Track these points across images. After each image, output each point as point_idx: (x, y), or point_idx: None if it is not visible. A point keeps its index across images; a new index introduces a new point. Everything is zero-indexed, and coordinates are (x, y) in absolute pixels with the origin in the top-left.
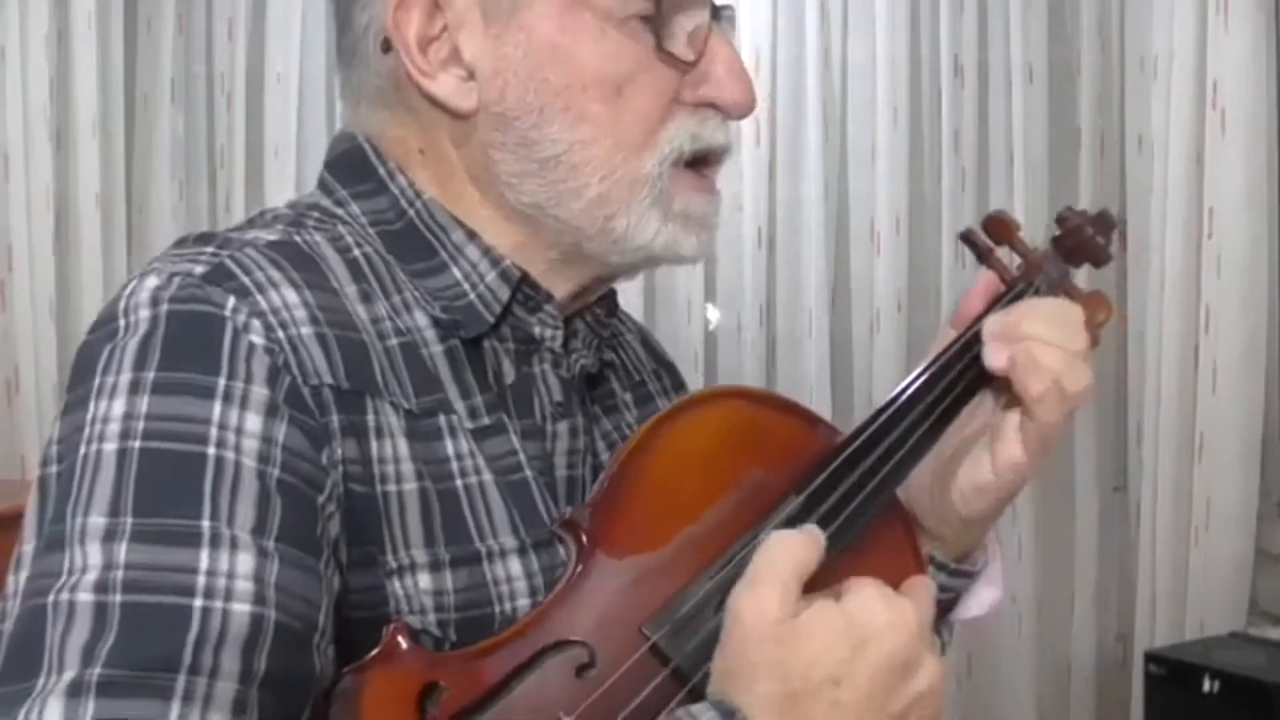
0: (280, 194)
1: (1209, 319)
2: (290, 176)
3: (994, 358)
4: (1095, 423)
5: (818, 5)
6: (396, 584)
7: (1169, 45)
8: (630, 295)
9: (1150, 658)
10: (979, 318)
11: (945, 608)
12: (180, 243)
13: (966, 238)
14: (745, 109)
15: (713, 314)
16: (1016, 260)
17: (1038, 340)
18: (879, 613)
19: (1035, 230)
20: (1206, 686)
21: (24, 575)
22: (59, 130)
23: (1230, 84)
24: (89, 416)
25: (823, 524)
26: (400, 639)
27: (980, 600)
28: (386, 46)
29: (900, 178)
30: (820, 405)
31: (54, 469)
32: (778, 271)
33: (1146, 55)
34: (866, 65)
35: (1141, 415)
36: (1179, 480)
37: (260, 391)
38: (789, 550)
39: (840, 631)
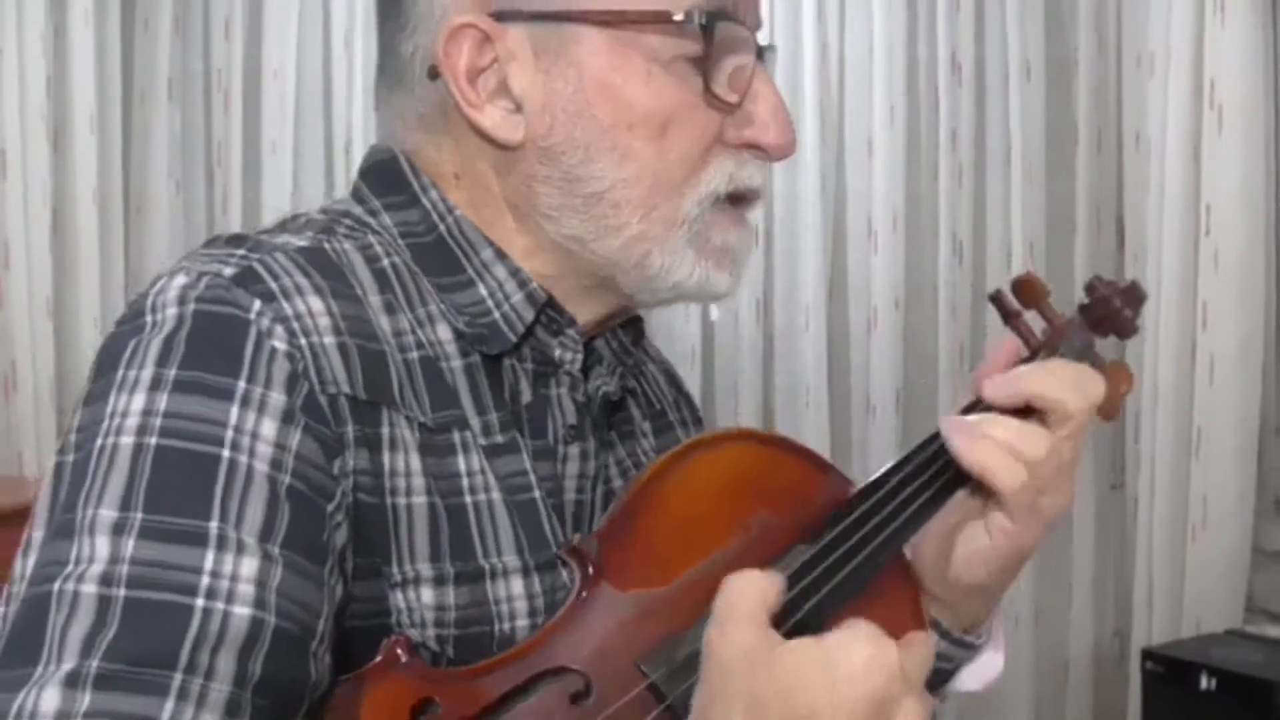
0: (277, 191)
1: (1206, 315)
2: (287, 173)
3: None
4: (1093, 420)
5: (815, 2)
6: (399, 596)
7: (1166, 43)
8: None
9: (1147, 655)
10: None
11: (944, 677)
12: (211, 242)
13: (995, 299)
14: (786, 152)
15: (710, 310)
16: (1042, 325)
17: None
18: (859, 650)
19: (1032, 232)
20: (1203, 684)
21: (32, 561)
22: (56, 128)
23: (1227, 81)
24: (109, 409)
25: (829, 574)
26: (399, 652)
27: (979, 674)
28: (434, 75)
29: (897, 174)
30: (817, 402)
31: (70, 457)
32: (775, 268)
33: (1144, 52)
34: (864, 62)
35: (1139, 412)
36: (1176, 477)
37: (278, 398)
38: (747, 585)
39: (818, 666)
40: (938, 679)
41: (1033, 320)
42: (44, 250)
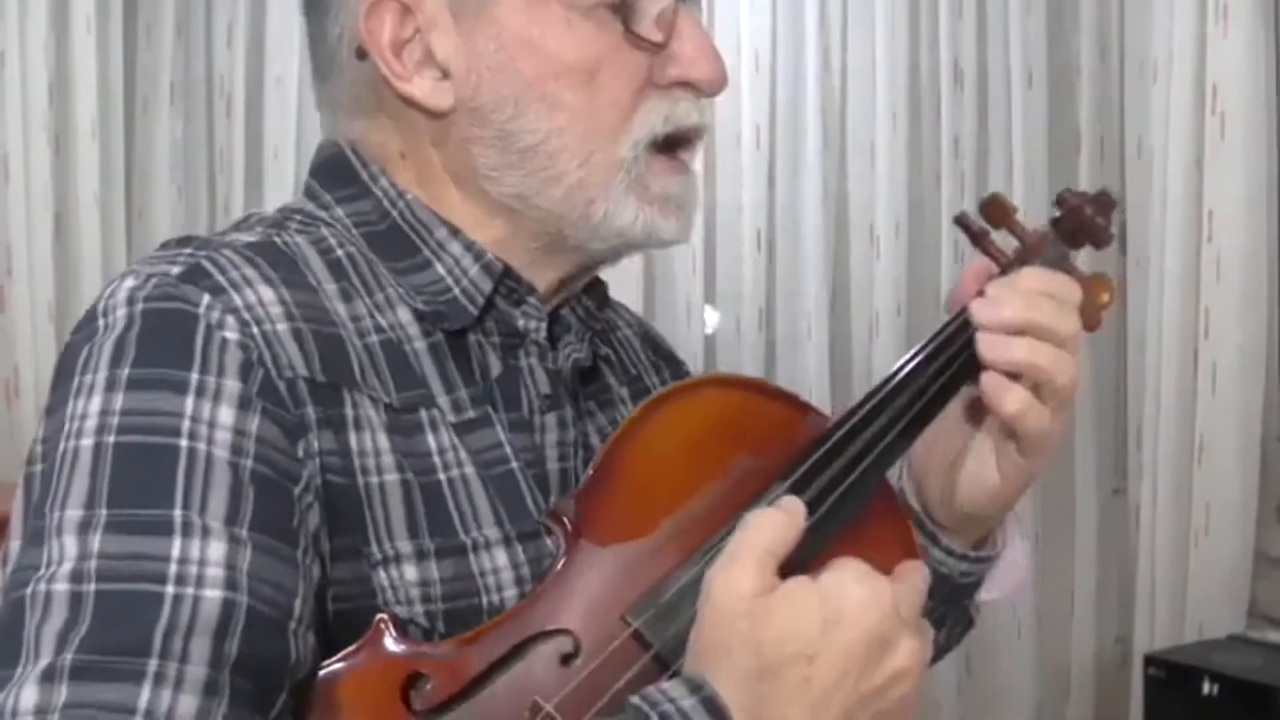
0: (279, 197)
1: (1209, 322)
2: (289, 180)
3: (987, 350)
4: (1095, 425)
5: (817, 8)
6: (382, 575)
7: (1168, 50)
8: (630, 298)
9: (1150, 660)
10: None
11: (968, 592)
12: (163, 246)
13: (960, 221)
14: (716, 85)
15: (712, 316)
16: (1014, 244)
17: (1029, 326)
18: (852, 591)
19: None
20: (1206, 689)
21: (8, 570)
22: (58, 134)
23: (1229, 88)
24: (68, 414)
25: (809, 510)
26: (385, 629)
27: (1002, 582)
28: (361, 54)
29: (900, 181)
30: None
31: (37, 467)
32: (777, 274)
33: (1146, 60)
34: (866, 68)
35: (1141, 418)
36: (1178, 483)
37: (233, 385)
38: (766, 527)
39: (812, 608)
40: (964, 593)
41: (1004, 242)
42: (46, 256)
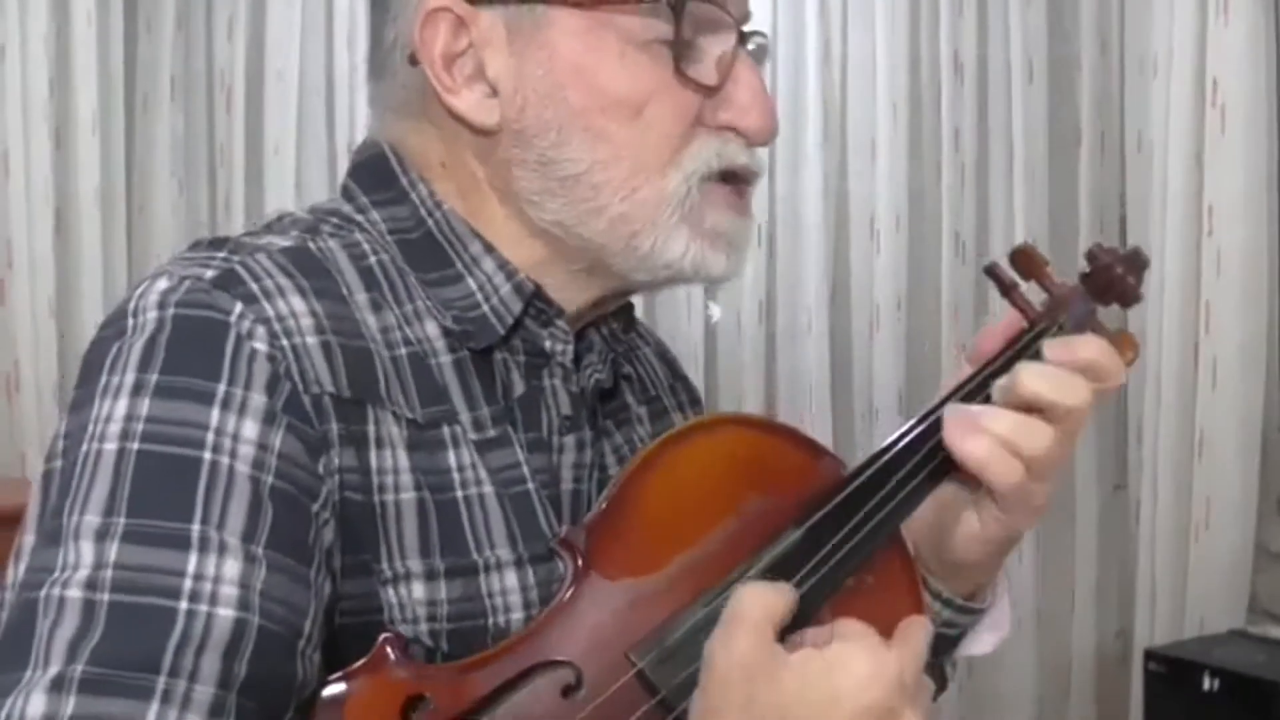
0: (280, 192)
1: (1209, 317)
2: (290, 174)
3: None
4: (1095, 421)
5: (818, 1)
6: (390, 592)
7: (1169, 43)
8: None
9: (1150, 655)
10: (996, 357)
11: (951, 643)
12: (195, 246)
13: (991, 272)
14: (766, 136)
15: (713, 310)
16: (1042, 296)
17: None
18: (860, 663)
19: (1036, 232)
20: (1206, 684)
21: (22, 567)
22: (59, 128)
23: (1229, 82)
24: (93, 415)
25: (822, 559)
26: (389, 649)
27: (985, 639)
28: (414, 61)
29: (900, 175)
30: (819, 402)
31: (57, 464)
32: (778, 268)
33: (1146, 53)
34: (866, 62)
35: (1141, 413)
36: (1179, 478)
37: (259, 399)
38: (758, 596)
39: (820, 679)
40: (944, 645)
41: (1033, 293)
42: (47, 250)
